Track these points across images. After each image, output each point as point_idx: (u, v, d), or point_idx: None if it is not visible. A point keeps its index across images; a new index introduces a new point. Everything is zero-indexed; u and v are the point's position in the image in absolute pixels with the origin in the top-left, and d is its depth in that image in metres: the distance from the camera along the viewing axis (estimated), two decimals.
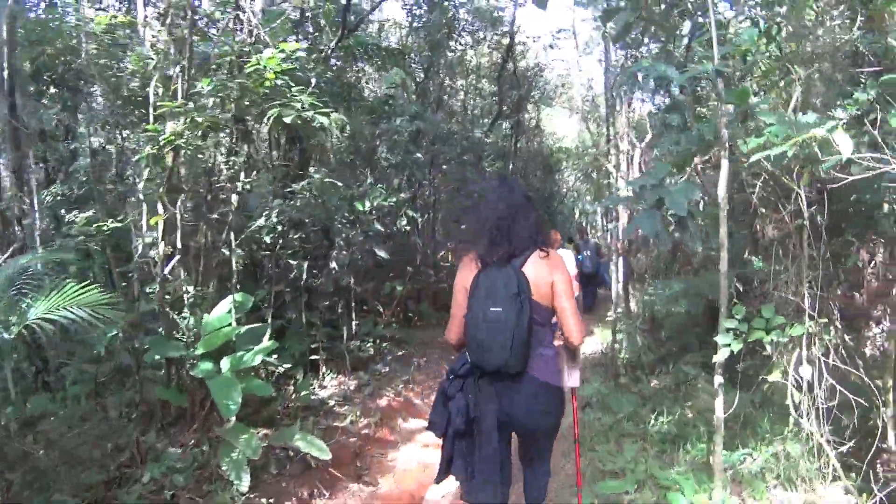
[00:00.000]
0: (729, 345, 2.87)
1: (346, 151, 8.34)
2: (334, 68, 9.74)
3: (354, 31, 10.38)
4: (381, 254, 6.04)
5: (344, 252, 6.03)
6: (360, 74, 10.64)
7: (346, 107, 9.50)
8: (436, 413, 2.67)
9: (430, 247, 10.06)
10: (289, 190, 5.67)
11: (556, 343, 2.67)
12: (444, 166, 8.92)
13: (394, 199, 6.05)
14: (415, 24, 11.93)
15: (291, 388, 6.13)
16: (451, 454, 2.61)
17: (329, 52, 9.57)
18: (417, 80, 12.19)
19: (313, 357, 6.85)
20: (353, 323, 7.40)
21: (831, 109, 3.48)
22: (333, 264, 6.13)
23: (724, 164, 2.89)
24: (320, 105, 4.36)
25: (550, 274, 2.55)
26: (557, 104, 18.43)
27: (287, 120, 4.14)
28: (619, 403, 4.98)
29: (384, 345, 8.14)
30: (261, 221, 6.06)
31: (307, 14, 9.35)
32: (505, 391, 2.52)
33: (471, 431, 2.54)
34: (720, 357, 2.95)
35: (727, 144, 2.89)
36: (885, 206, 3.68)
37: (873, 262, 4.97)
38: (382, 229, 6.25)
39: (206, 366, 4.54)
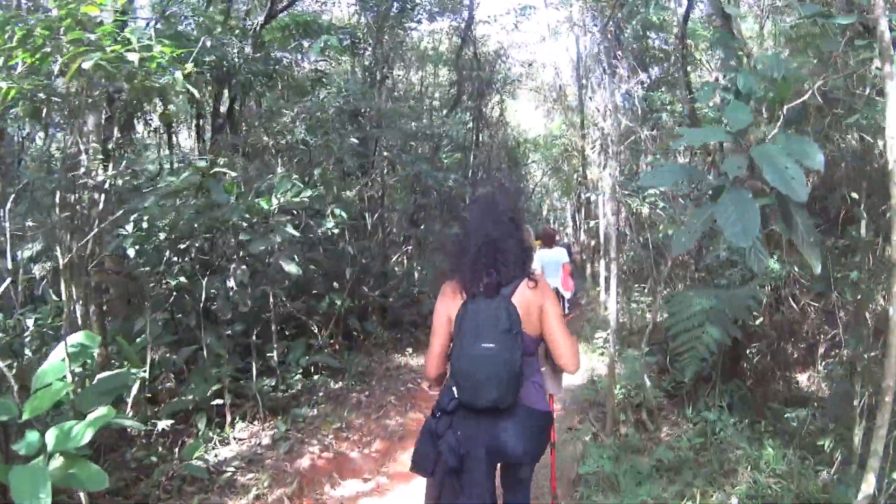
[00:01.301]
0: None
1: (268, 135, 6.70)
2: (264, 47, 8.42)
3: (288, 9, 9.20)
4: (290, 268, 4.42)
5: (243, 267, 4.40)
6: (293, 53, 9.25)
7: (273, 86, 8.15)
8: (421, 452, 2.47)
9: (380, 252, 8.49)
10: (158, 186, 4.06)
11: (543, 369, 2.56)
12: (387, 153, 7.30)
13: (308, 195, 4.43)
14: None
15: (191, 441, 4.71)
16: (439, 496, 2.44)
17: (258, 28, 8.50)
18: (366, 63, 10.78)
19: (218, 401, 5.28)
20: (271, 353, 5.77)
21: None
22: (231, 282, 4.51)
23: (893, 87, 1.36)
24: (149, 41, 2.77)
25: (540, 301, 2.41)
26: (523, 91, 16.97)
27: (86, 66, 2.57)
28: (627, 480, 3.42)
29: (317, 377, 6.51)
30: (128, 228, 4.49)
31: None
32: (495, 424, 2.40)
33: (461, 468, 2.38)
34: None
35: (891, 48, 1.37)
36: None
37: None
38: (297, 234, 4.62)
39: (32, 438, 3.20)
